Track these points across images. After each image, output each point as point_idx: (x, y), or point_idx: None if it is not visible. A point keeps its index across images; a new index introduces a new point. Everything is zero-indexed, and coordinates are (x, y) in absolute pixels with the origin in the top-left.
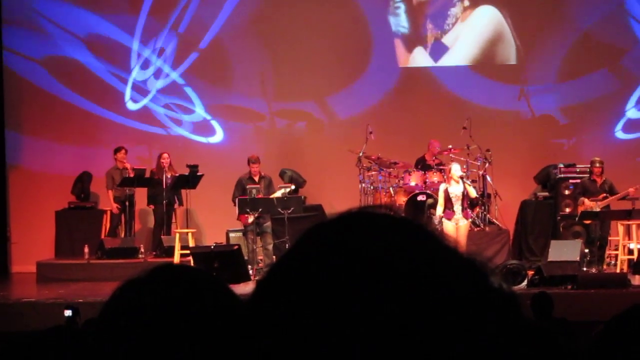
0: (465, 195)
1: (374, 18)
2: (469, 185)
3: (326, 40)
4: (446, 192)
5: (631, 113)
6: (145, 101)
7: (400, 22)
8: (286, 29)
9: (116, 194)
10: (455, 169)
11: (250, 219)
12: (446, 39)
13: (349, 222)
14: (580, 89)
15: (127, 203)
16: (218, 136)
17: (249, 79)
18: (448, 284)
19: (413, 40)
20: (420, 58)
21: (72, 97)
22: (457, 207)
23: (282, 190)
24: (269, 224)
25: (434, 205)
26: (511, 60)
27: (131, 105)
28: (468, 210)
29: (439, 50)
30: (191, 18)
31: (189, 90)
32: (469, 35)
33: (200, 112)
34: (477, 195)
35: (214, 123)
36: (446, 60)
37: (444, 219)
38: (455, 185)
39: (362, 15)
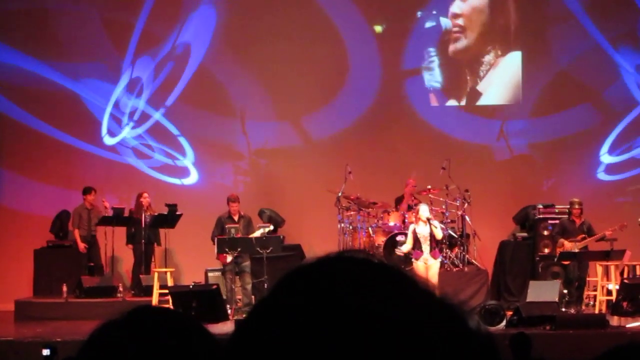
0: (432, 236)
1: (354, 52)
2: (435, 227)
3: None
4: (414, 233)
5: (605, 158)
6: (123, 137)
7: (434, 77)
8: (268, 58)
9: (82, 233)
10: (423, 210)
11: (229, 258)
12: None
13: (328, 268)
14: (559, 127)
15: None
16: (194, 177)
17: (229, 119)
18: (426, 328)
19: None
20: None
21: (52, 133)
22: (425, 247)
23: (261, 230)
24: (247, 263)
25: (412, 246)
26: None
27: (109, 141)
28: (437, 250)
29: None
30: (169, 51)
31: (170, 127)
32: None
33: (180, 151)
34: (455, 236)
35: (192, 162)
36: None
37: (413, 259)
38: (422, 225)
39: (342, 47)
